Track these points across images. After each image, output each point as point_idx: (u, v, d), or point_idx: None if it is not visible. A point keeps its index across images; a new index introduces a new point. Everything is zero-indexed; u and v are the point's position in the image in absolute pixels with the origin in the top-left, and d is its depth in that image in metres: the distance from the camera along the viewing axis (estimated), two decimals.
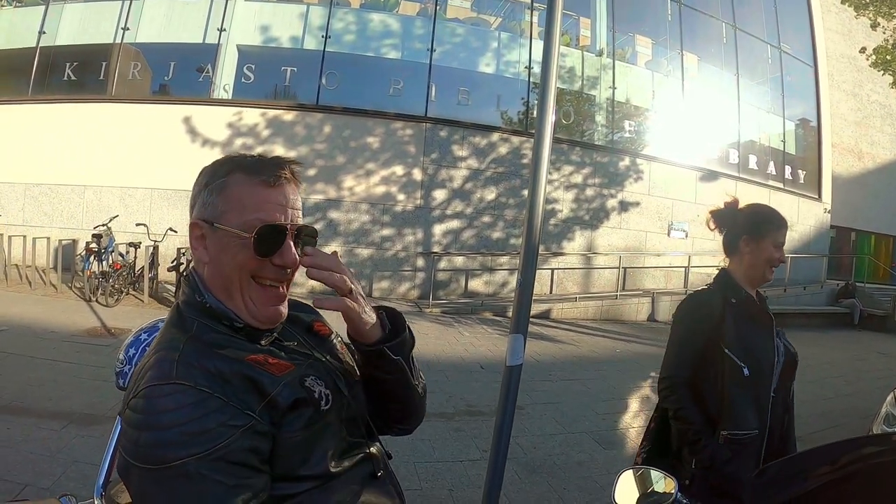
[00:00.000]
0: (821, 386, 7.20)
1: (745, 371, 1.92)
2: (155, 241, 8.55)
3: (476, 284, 11.14)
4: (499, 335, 8.29)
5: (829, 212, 17.21)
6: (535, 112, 11.43)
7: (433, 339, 7.60)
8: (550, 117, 1.81)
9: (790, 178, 16.00)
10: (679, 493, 1.23)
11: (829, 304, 16.06)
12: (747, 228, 2.07)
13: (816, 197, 16.83)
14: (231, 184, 0.99)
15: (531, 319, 8.39)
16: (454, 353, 7.09)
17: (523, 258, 2.02)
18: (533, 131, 8.81)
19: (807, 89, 17.18)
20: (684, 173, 13.08)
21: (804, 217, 16.27)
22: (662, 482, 1.28)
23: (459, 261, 11.05)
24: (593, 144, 12.33)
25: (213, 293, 1.01)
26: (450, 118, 10.94)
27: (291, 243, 1.00)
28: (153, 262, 8.58)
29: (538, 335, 8.53)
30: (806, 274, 15.91)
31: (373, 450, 1.13)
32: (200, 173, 1.03)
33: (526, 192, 9.20)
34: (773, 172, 15.48)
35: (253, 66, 10.58)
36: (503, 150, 11.13)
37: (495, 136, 11.09)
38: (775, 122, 16.07)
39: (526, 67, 11.63)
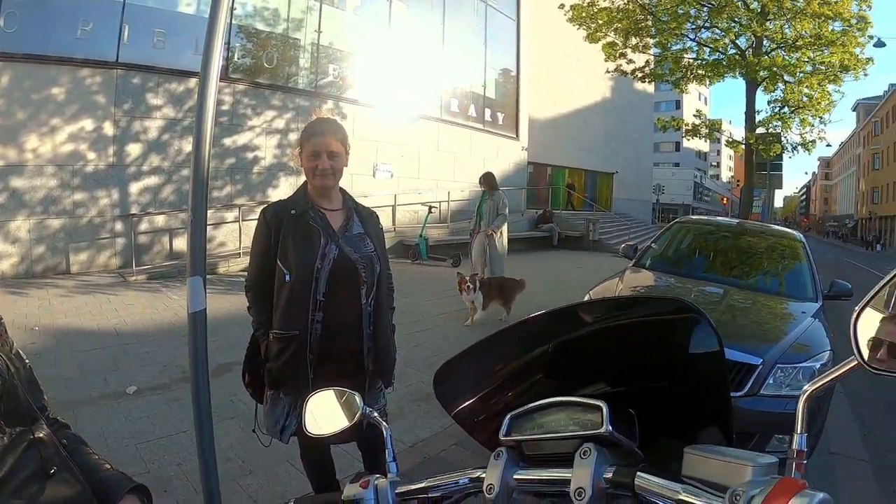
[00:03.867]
0: (529, 299, 8.32)
1: (287, 277, 2.34)
2: None
3: (181, 244, 11.31)
4: (210, 293, 9.13)
5: (526, 149, 21.76)
6: (236, 55, 12.61)
7: (140, 309, 7.76)
8: (217, 57, 1.98)
9: (490, 120, 20.03)
10: (367, 409, 1.30)
11: (530, 229, 20.73)
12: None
13: (515, 137, 21.25)
14: None
15: (241, 273, 10.64)
16: (164, 319, 7.28)
17: (192, 195, 2.05)
18: (233, 76, 10.35)
19: (509, 40, 21.19)
20: (389, 116, 15.53)
21: (504, 155, 20.51)
22: (351, 398, 1.36)
23: (161, 220, 11.22)
24: (297, 89, 13.81)
25: None
26: (144, 63, 10.91)
27: None
28: None
29: None
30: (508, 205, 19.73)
31: (40, 435, 1.13)
32: None
33: (225, 141, 10.76)
34: (474, 115, 19.26)
35: None
36: None
37: (193, 83, 11.14)
38: (478, 69, 19.74)
39: (229, 8, 12.57)
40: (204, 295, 2.16)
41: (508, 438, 0.96)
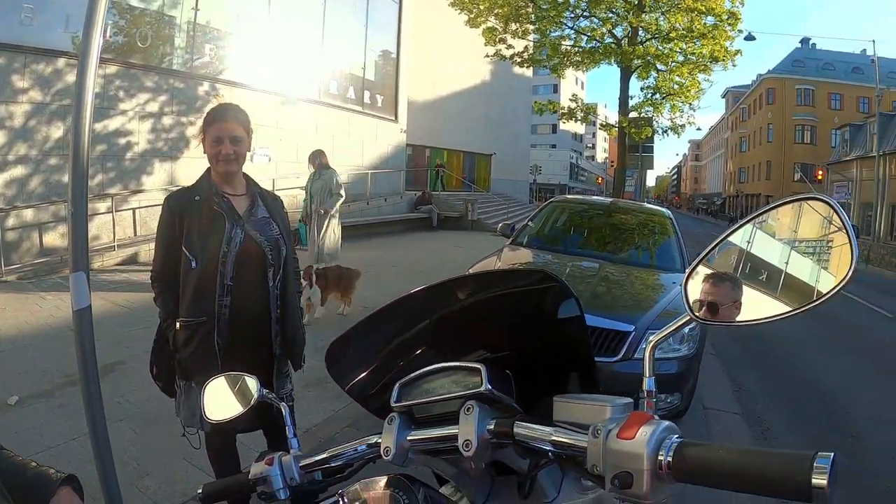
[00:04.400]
0: (407, 281, 8.24)
1: (193, 264, 2.38)
2: None
3: (52, 239, 10.76)
4: None
5: (405, 132, 22.70)
6: (108, 33, 12.44)
7: (12, 313, 7.36)
8: (98, 36, 1.94)
9: (369, 102, 20.74)
10: (264, 391, 1.35)
11: (409, 211, 21.63)
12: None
13: (394, 119, 22.13)
14: None
15: (117, 268, 10.10)
16: (39, 322, 6.99)
17: (72, 188, 1.99)
18: (105, 56, 10.44)
19: (390, 23, 21.92)
20: (267, 98, 15.66)
21: (383, 137, 21.33)
22: (248, 382, 1.39)
23: (29, 214, 10.47)
24: (172, 70, 13.42)
25: None
26: (10, 42, 10.15)
27: None
28: None
29: (127, 283, 9.19)
30: (386, 187, 20.94)
31: None
32: None
33: (96, 126, 11.21)
34: (354, 97, 19.89)
35: None
36: (71, 78, 10.42)
37: (62, 63, 10.74)
38: (358, 51, 20.32)
39: None
40: (88, 291, 2.13)
41: (399, 405, 1.03)
